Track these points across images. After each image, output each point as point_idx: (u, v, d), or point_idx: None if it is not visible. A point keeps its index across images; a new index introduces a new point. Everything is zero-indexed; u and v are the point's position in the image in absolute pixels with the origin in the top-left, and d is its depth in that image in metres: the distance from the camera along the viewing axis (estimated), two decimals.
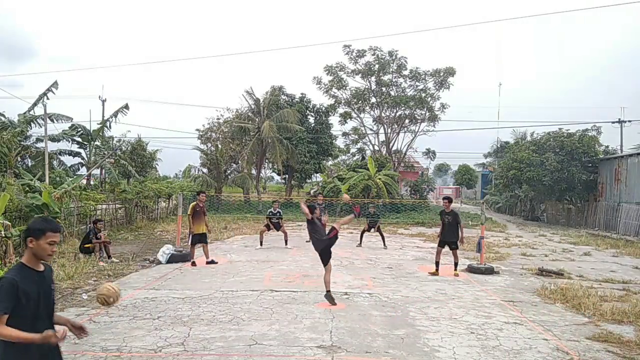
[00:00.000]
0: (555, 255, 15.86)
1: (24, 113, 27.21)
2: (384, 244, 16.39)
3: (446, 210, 11.43)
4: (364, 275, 11.10)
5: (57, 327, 3.25)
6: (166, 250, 12.56)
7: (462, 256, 14.80)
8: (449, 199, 11.88)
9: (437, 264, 11.37)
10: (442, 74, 35.94)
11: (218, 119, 36.69)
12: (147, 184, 23.97)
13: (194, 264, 11.80)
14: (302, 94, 38.11)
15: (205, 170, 34.66)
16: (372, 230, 16.91)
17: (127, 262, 12.10)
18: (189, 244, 12.27)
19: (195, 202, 12.17)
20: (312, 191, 32.50)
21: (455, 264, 11.39)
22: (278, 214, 15.85)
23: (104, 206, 20.04)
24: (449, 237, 11.27)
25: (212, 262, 12.09)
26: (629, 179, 24.94)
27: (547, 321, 7.61)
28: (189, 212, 12.10)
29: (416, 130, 38.08)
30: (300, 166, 36.33)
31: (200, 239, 12.06)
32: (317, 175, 45.49)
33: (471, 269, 11.93)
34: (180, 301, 8.26)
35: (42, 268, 3.17)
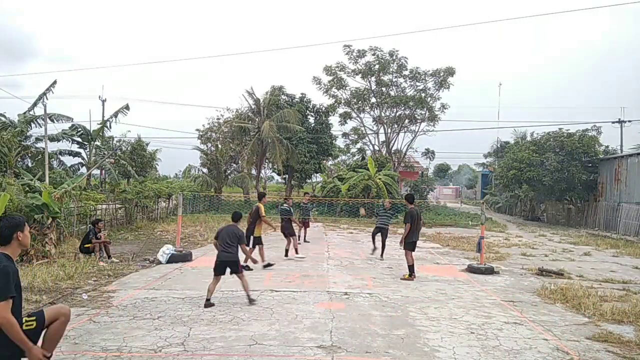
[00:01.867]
0: (555, 255, 15.86)
1: (24, 113, 27.23)
2: (382, 254, 13.90)
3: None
4: (364, 275, 11.10)
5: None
6: (166, 250, 12.56)
7: (462, 256, 14.83)
8: (406, 198, 11.47)
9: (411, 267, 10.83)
10: (442, 74, 35.98)
11: (218, 119, 36.77)
12: (147, 184, 23.99)
13: (268, 264, 11.60)
14: (302, 94, 38.16)
15: (205, 170, 34.70)
16: (379, 235, 14.01)
17: (127, 262, 12.10)
18: (250, 246, 11.45)
19: (260, 205, 11.79)
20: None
21: (409, 266, 10.77)
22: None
23: (104, 206, 20.05)
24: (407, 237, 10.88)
25: (247, 267, 10.90)
26: (629, 179, 24.94)
27: (547, 321, 7.61)
28: (263, 214, 11.75)
29: (416, 130, 38.14)
30: (300, 166, 36.34)
31: (259, 241, 11.82)
32: (317, 175, 45.53)
33: (471, 269, 11.91)
34: (180, 301, 8.27)
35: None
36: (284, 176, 41.54)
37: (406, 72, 36.70)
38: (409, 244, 10.87)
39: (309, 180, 46.95)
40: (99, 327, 6.71)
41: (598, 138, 30.27)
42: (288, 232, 13.43)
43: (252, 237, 11.69)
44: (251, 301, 8.11)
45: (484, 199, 44.27)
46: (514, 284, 10.62)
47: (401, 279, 10.70)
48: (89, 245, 12.38)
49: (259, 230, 11.91)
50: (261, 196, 12.37)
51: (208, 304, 7.91)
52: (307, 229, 17.68)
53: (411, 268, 10.79)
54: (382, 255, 13.86)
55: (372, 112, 38.73)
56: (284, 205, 14.46)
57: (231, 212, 9.83)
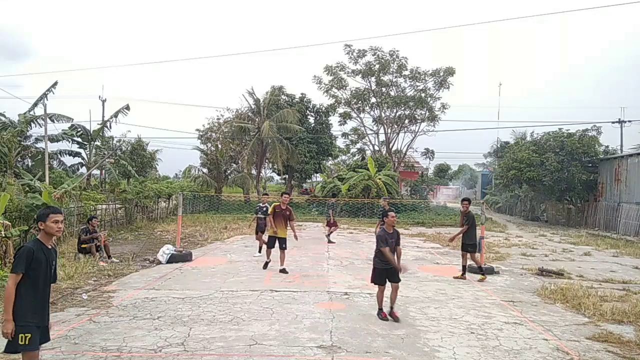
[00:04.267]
0: (555, 255, 15.85)
1: (24, 113, 27.22)
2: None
3: (464, 212, 11.13)
4: (364, 275, 11.06)
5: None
6: (166, 250, 12.56)
7: None
8: (468, 200, 11.63)
9: (463, 267, 11.19)
10: (442, 74, 35.95)
11: (218, 119, 36.75)
12: (147, 184, 23.97)
13: (266, 265, 11.40)
14: (302, 94, 38.12)
15: (205, 170, 34.68)
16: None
17: (127, 262, 12.10)
18: (267, 245, 11.56)
19: (277, 203, 11.46)
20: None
21: (479, 268, 11.07)
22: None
23: (104, 206, 20.04)
24: (467, 240, 11.00)
25: (284, 271, 11.01)
26: (629, 179, 24.93)
27: (547, 321, 7.61)
28: (269, 212, 11.55)
29: (416, 130, 38.11)
30: (300, 166, 36.32)
31: (278, 242, 11.13)
32: (317, 175, 45.51)
33: (471, 269, 11.90)
34: (180, 301, 8.26)
35: (50, 246, 4.18)
36: (284, 176, 41.54)
37: (406, 72, 36.68)
38: (473, 246, 10.99)
39: (309, 180, 46.92)
40: (99, 327, 6.71)
41: (598, 138, 30.21)
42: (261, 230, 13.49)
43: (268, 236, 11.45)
44: (394, 318, 7.30)
45: (484, 199, 44.26)
46: (514, 284, 10.63)
47: (478, 280, 10.75)
48: (85, 245, 12.37)
49: (278, 231, 11.16)
50: (282, 195, 11.94)
51: (381, 313, 7.43)
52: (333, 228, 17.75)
53: (481, 268, 11.08)
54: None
55: (372, 112, 38.76)
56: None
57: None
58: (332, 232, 17.74)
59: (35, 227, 12.34)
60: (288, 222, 11.26)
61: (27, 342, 3.93)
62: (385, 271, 7.35)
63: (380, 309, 7.42)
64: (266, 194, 17.07)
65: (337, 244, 17.40)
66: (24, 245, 4.08)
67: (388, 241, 7.28)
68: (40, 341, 4.11)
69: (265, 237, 12.40)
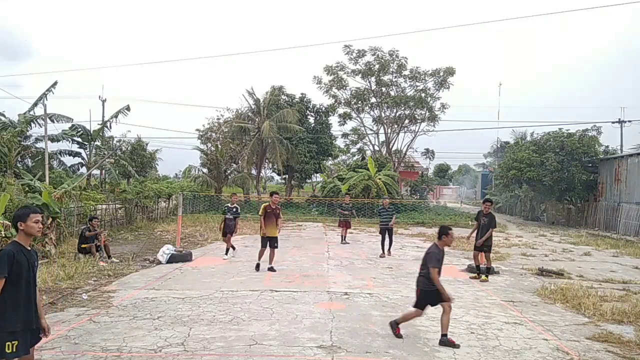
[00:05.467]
0: (555, 255, 15.86)
1: (24, 113, 27.20)
2: (389, 250, 14.61)
3: (484, 212, 11.11)
4: (364, 275, 11.10)
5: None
6: (166, 250, 12.56)
7: (462, 256, 14.83)
8: (490, 201, 11.67)
9: (477, 267, 11.16)
10: (442, 74, 35.92)
11: (218, 119, 36.76)
12: (147, 184, 23.98)
13: (258, 267, 11.26)
14: (302, 94, 38.05)
15: (205, 170, 34.68)
16: (386, 238, 14.39)
17: (127, 262, 12.10)
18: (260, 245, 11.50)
19: (267, 203, 11.45)
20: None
21: (487, 269, 11.11)
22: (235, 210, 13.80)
23: (104, 206, 20.05)
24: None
25: (272, 269, 11.17)
26: (629, 179, 24.94)
27: (547, 321, 7.61)
28: (260, 213, 11.49)
29: (416, 130, 38.08)
30: (300, 166, 36.31)
31: (269, 242, 11.23)
32: (317, 175, 45.48)
33: (471, 269, 11.91)
34: (180, 301, 8.26)
35: (29, 248, 4.07)
36: (284, 176, 41.51)
37: (406, 72, 36.61)
38: (489, 247, 11.04)
39: (309, 180, 46.85)
40: (99, 327, 6.71)
41: (598, 138, 30.20)
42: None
43: (261, 237, 11.44)
44: (454, 345, 6.22)
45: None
46: (514, 284, 10.63)
47: (480, 281, 10.75)
48: (85, 245, 12.38)
49: (269, 231, 11.21)
50: (272, 195, 11.88)
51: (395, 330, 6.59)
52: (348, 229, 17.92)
53: (489, 269, 11.13)
54: (389, 250, 14.54)
55: (372, 112, 38.73)
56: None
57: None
58: (345, 234, 17.71)
59: None
60: (277, 221, 11.41)
61: (14, 350, 3.83)
62: (432, 293, 6.42)
63: (398, 323, 6.62)
64: (235, 194, 16.78)
65: (336, 243, 17.42)
66: (2, 249, 3.93)
67: (440, 261, 6.53)
68: (30, 343, 4.02)
69: (257, 240, 12.33)
